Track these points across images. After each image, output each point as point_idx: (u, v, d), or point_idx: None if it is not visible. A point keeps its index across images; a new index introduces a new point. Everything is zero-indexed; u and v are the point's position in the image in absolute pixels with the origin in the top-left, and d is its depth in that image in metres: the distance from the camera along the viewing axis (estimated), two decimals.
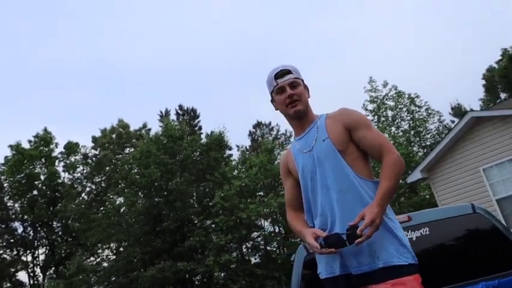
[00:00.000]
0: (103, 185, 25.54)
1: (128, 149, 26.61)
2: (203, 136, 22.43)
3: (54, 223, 25.95)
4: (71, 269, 18.66)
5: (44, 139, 25.84)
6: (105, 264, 20.78)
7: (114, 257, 20.94)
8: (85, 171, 26.37)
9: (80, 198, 24.79)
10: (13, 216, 25.43)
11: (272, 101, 2.08)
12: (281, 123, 30.16)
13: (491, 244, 2.87)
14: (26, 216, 25.25)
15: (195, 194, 19.13)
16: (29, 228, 25.91)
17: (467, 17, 45.87)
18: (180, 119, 27.72)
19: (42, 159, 25.69)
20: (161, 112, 28.19)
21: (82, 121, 40.96)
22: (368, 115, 18.29)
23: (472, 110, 10.41)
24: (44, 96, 42.14)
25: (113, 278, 18.59)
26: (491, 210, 7.85)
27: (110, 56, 45.40)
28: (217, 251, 16.04)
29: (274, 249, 20.38)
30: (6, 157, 24.79)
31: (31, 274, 25.23)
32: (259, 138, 30.09)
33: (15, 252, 25.43)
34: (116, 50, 45.02)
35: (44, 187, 25.65)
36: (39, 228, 25.82)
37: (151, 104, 45.53)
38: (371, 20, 48.05)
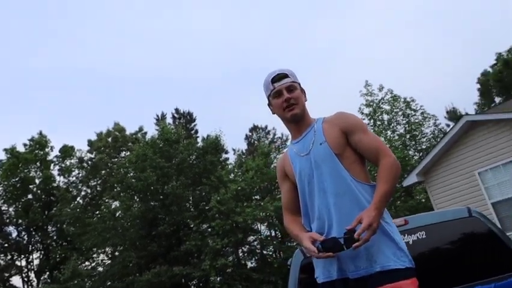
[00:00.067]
0: (98, 188, 25.41)
1: (124, 152, 26.52)
2: (199, 140, 22.42)
3: (49, 227, 25.76)
4: (66, 273, 18.51)
5: (39, 143, 25.71)
6: (100, 269, 20.67)
7: (109, 261, 20.81)
8: (80, 175, 26.25)
9: (76, 202, 24.65)
10: (7, 221, 25.22)
11: (269, 104, 2.09)
12: (277, 126, 30.19)
13: (487, 247, 2.88)
14: (20, 221, 25.05)
15: (191, 197, 19.08)
16: (23, 233, 25.70)
17: (462, 22, 46.26)
18: (176, 123, 27.69)
19: (38, 163, 25.53)
20: (157, 116, 28.17)
21: (77, 125, 40.82)
22: (364, 119, 18.36)
23: (467, 114, 10.48)
24: (39, 99, 41.98)
25: (109, 283, 18.48)
26: (486, 213, 7.89)
27: (106, 59, 45.37)
28: (213, 255, 15.99)
29: (271, 253, 20.34)
30: (0, 161, 24.61)
31: (25, 279, 25.00)
32: (256, 142, 30.09)
33: (9, 257, 25.19)
34: (112, 53, 44.98)
35: (39, 191, 25.48)
36: (33, 233, 25.62)
37: (147, 108, 45.48)
38: (367, 24, 48.39)
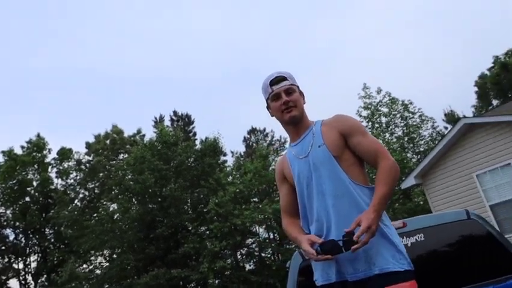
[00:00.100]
0: (96, 191, 25.36)
1: (122, 155, 26.49)
2: (197, 142, 22.44)
3: (47, 230, 25.68)
4: (64, 276, 18.44)
5: (37, 145, 25.65)
6: (98, 272, 20.59)
7: (107, 264, 20.74)
8: (78, 177, 26.19)
9: (73, 204, 24.58)
10: (5, 223, 25.12)
11: (268, 107, 2.09)
12: (276, 129, 30.21)
13: (485, 250, 2.89)
14: (17, 223, 24.95)
15: (189, 200, 19.05)
16: (20, 235, 25.61)
17: (459, 24, 46.47)
18: (175, 125, 27.68)
19: (35, 165, 25.47)
20: (155, 118, 28.16)
21: (75, 127, 40.77)
22: (362, 121, 18.37)
23: (464, 117, 10.51)
24: (37, 102, 41.95)
25: (106, 286, 18.43)
26: (484, 216, 7.91)
27: (106, 59, 45.36)
28: (211, 258, 15.96)
29: (269, 255, 20.31)
30: None
31: (22, 282, 24.89)
32: (254, 144, 30.09)
33: (6, 260, 25.08)
34: (112, 53, 44.99)
35: (36, 193, 25.40)
36: (31, 235, 25.52)
37: (146, 110, 45.50)
38: (366, 25, 48.51)
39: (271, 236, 21.09)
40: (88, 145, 27.41)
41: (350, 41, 47.46)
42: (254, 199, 19.41)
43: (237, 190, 17.49)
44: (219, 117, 40.27)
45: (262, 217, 17.56)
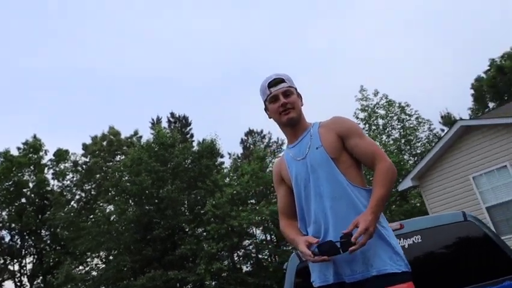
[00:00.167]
0: (92, 192, 25.28)
1: (119, 156, 26.43)
2: (195, 144, 22.43)
3: (43, 231, 25.56)
4: (60, 278, 18.35)
5: (34, 146, 25.56)
6: (94, 273, 20.49)
7: (103, 265, 20.64)
8: (74, 178, 26.10)
9: (70, 206, 24.49)
10: (0, 225, 24.98)
11: (266, 109, 2.10)
12: (273, 131, 30.28)
13: (482, 252, 2.90)
14: (13, 225, 24.82)
15: (186, 201, 19.03)
16: (16, 237, 25.47)
17: (456, 27, 46.68)
18: (172, 127, 27.67)
19: (31, 167, 25.36)
20: (152, 119, 28.14)
21: (72, 128, 40.68)
22: (359, 123, 18.43)
23: (461, 119, 10.57)
24: (34, 102, 41.81)
25: (103, 287, 18.33)
26: (481, 218, 7.93)
27: (102, 63, 45.27)
28: (208, 259, 15.93)
29: (266, 257, 20.29)
30: None
31: (18, 284, 24.73)
32: (251, 146, 30.10)
33: (2, 261, 24.91)
34: (108, 57, 44.94)
35: (32, 195, 25.29)
36: (27, 237, 25.39)
37: (143, 112, 45.41)
38: (363, 27, 48.64)
39: (268, 238, 21.09)
40: (85, 146, 27.33)
41: (348, 41, 47.69)
42: (251, 201, 19.41)
43: (234, 192, 17.48)
44: (216, 119, 40.29)
45: (259, 219, 17.56)
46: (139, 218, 17.97)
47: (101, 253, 20.95)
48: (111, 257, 19.91)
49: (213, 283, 16.93)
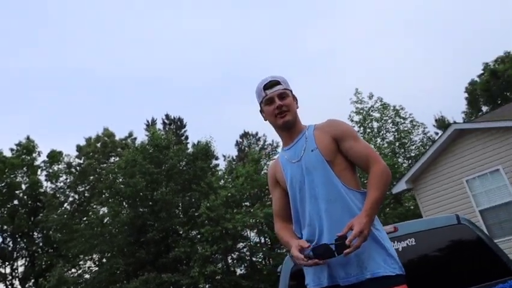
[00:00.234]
0: (86, 194, 25.09)
1: (113, 158, 26.29)
2: (189, 146, 22.33)
3: (35, 234, 25.32)
4: (52, 281, 18.17)
5: (27, 147, 25.36)
6: (87, 276, 20.32)
7: (96, 268, 20.49)
8: (68, 180, 25.91)
9: (63, 208, 24.28)
10: None
11: (261, 111, 2.10)
12: (268, 133, 30.26)
13: (475, 254, 2.91)
14: (5, 227, 24.56)
15: (180, 204, 18.95)
16: (8, 239, 25.21)
17: (450, 31, 47.08)
18: (167, 129, 27.59)
19: (24, 168, 25.16)
20: (147, 121, 28.06)
21: (66, 130, 40.43)
22: (354, 126, 18.49)
23: (455, 123, 10.62)
24: (27, 104, 41.51)
25: None
26: (474, 221, 7.97)
27: (97, 64, 45.10)
28: (202, 262, 15.86)
29: (260, 260, 20.26)
30: None
31: (9, 287, 24.48)
32: (246, 148, 30.08)
33: None
34: (103, 58, 44.78)
35: (25, 196, 25.07)
36: (19, 239, 25.14)
37: (137, 113, 45.23)
38: (362, 29, 48.83)
39: (263, 241, 21.06)
40: (79, 148, 27.15)
41: (348, 41, 47.83)
42: (246, 203, 19.39)
43: (229, 194, 17.45)
44: (211, 121, 40.25)
45: (253, 221, 17.54)
46: (132, 221, 17.87)
47: (94, 256, 20.80)
48: (104, 260, 19.77)
49: (207, 286, 16.87)
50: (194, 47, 46.15)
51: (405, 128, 19.27)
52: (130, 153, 19.06)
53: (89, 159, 25.38)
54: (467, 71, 48.27)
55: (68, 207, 25.08)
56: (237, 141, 31.90)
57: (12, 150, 25.28)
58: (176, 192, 18.28)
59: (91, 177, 24.31)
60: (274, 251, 19.22)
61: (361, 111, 19.32)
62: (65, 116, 40.47)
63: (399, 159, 18.78)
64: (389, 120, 19.29)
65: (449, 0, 46.16)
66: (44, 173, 26.09)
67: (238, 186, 18.03)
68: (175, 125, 28.84)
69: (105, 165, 24.90)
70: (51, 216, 21.77)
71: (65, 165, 26.23)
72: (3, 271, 24.74)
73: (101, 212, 20.30)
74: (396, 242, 2.89)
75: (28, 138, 25.82)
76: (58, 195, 25.43)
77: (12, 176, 24.49)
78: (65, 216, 22.13)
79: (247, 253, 19.58)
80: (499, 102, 25.51)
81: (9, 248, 24.98)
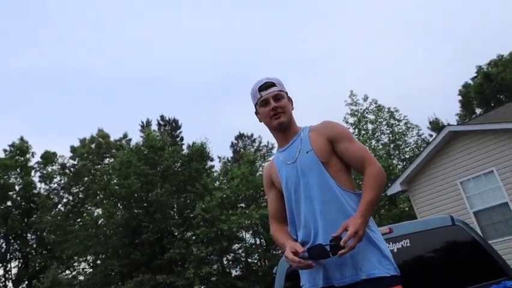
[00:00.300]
0: (80, 196, 24.95)
1: (107, 159, 26.16)
2: (184, 147, 22.29)
3: (29, 235, 25.14)
4: (46, 282, 18.04)
5: (20, 148, 25.19)
6: (81, 278, 20.22)
7: (91, 270, 20.38)
8: (62, 181, 25.75)
9: (57, 209, 24.12)
10: None
11: (256, 113, 2.10)
12: (263, 134, 30.24)
13: (469, 256, 2.93)
14: None
15: (175, 205, 18.89)
16: (1, 241, 24.98)
17: (444, 35, 47.34)
18: (162, 130, 27.51)
19: (18, 169, 24.97)
20: (142, 122, 27.94)
21: (60, 131, 40.14)
22: (348, 128, 18.52)
23: (449, 125, 10.71)
24: (21, 105, 41.21)
25: None
26: (468, 222, 8.02)
27: (97, 64, 44.88)
28: (197, 263, 15.82)
29: (256, 261, 20.25)
30: None
31: None
32: (241, 150, 30.04)
33: None
34: (98, 59, 44.54)
35: (19, 198, 24.88)
36: (12, 241, 24.94)
37: (132, 114, 45.03)
38: (362, 29, 48.92)
39: (258, 242, 21.05)
40: (73, 149, 27.00)
41: (348, 41, 47.88)
42: (241, 204, 19.36)
43: (224, 195, 17.42)
44: (206, 122, 40.15)
45: (249, 222, 17.52)
46: (127, 222, 17.79)
47: (88, 257, 20.68)
48: (99, 261, 19.66)
49: (202, 287, 16.81)
50: (194, 47, 46.06)
51: (400, 130, 19.35)
52: (125, 155, 18.98)
53: (84, 161, 25.25)
54: (461, 73, 48.64)
55: (62, 208, 24.93)
56: (232, 143, 31.87)
57: (5, 151, 25.12)
58: (171, 194, 18.22)
59: (85, 179, 24.19)
60: (270, 252, 19.21)
61: (356, 113, 19.39)
62: (65, 116, 40.22)
63: (394, 161, 18.84)
64: (384, 122, 19.37)
65: (449, 0, 46.42)
66: (38, 174, 25.94)
67: (233, 187, 18.00)
68: (170, 126, 28.76)
69: (99, 166, 24.77)
70: (45, 217, 21.63)
71: (59, 167, 26.09)
72: None
73: (95, 214, 20.20)
74: (391, 243, 2.90)
75: (22, 139, 25.66)
76: (52, 197, 25.26)
77: (5, 177, 24.30)
78: (59, 217, 22.00)
79: (243, 254, 19.56)
80: (492, 104, 25.70)
81: (3, 250, 24.77)
